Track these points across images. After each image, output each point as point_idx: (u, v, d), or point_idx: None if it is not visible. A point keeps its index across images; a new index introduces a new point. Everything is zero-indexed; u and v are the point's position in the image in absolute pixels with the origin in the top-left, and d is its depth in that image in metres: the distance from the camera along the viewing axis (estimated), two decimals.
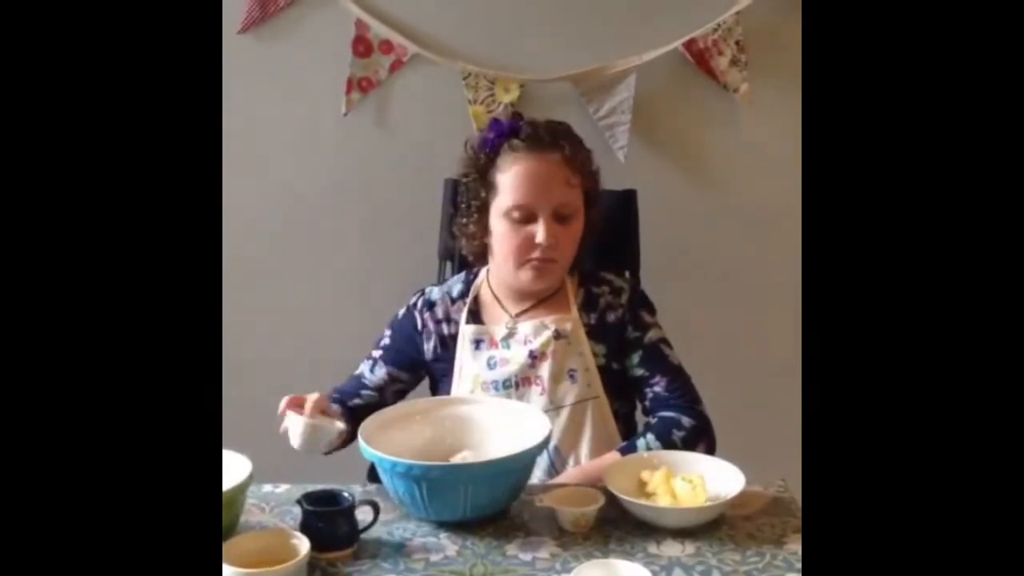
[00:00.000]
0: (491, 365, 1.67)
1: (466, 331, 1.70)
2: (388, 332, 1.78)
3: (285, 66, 2.24)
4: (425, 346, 1.74)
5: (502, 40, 2.24)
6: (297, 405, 1.46)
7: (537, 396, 1.64)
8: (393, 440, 1.42)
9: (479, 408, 1.54)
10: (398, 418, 1.49)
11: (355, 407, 1.67)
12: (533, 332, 1.67)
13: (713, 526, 1.34)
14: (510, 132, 1.65)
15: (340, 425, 1.48)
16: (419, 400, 1.55)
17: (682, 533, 1.32)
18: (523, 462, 1.38)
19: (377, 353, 1.76)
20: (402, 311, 1.78)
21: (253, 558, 1.17)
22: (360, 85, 2.23)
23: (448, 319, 1.74)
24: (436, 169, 2.13)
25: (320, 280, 2.36)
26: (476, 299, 1.75)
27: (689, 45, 2.21)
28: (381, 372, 1.73)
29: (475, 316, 1.73)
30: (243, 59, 2.21)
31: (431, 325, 1.74)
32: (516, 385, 1.65)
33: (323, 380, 2.33)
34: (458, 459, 1.43)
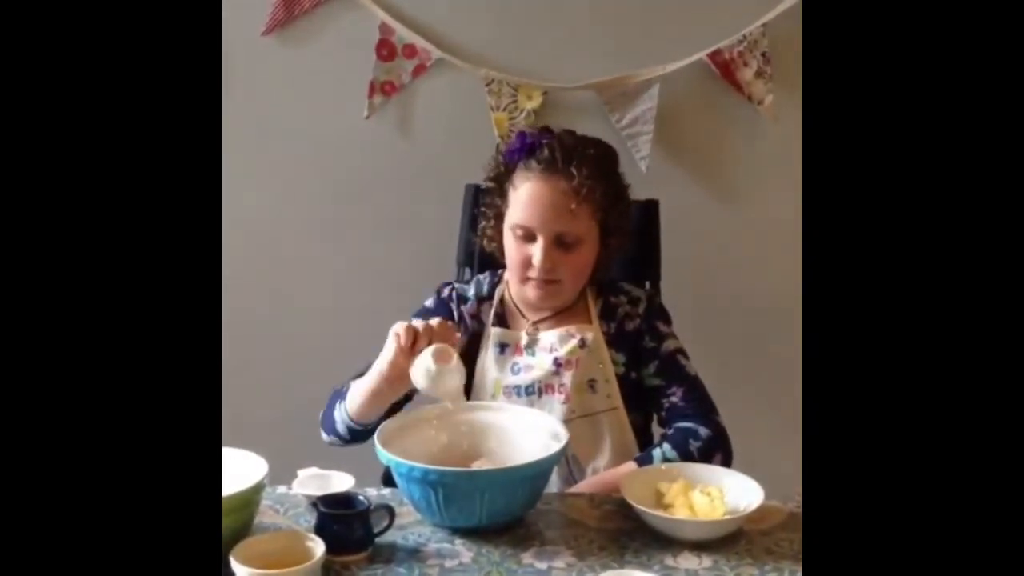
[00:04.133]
0: (515, 371, 1.67)
1: (493, 334, 1.70)
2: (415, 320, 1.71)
3: (308, 68, 2.24)
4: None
5: (526, 47, 2.24)
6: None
7: (559, 404, 1.63)
8: (409, 445, 1.41)
9: (496, 415, 1.53)
10: (415, 423, 1.48)
11: None
12: (559, 340, 1.66)
13: (731, 540, 1.32)
14: (529, 150, 1.63)
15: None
16: (436, 405, 1.54)
17: (699, 546, 1.30)
18: (540, 470, 1.37)
19: None
20: (430, 301, 1.76)
21: (267, 559, 1.17)
22: (383, 89, 2.23)
23: (477, 317, 1.73)
24: (457, 174, 2.12)
25: (340, 283, 2.35)
26: (502, 302, 1.74)
27: (714, 56, 2.21)
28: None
29: (501, 319, 1.73)
30: (267, 61, 2.22)
31: (467, 319, 1.73)
32: (539, 392, 1.64)
33: (341, 381, 2.34)
34: (475, 466, 1.42)
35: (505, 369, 1.67)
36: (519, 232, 1.63)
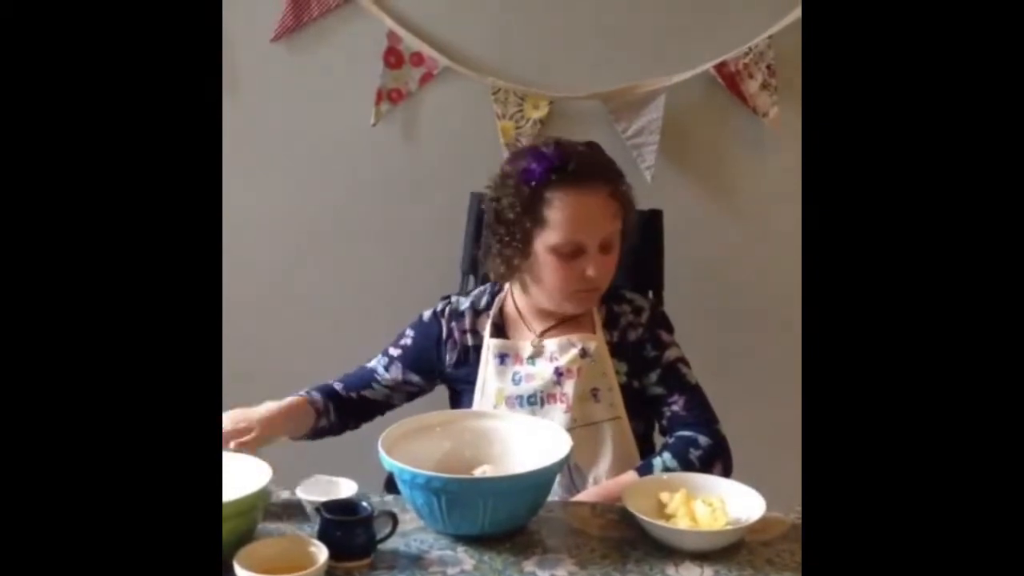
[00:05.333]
0: (516, 380, 1.67)
1: (491, 345, 1.70)
2: (410, 333, 1.77)
3: (316, 75, 2.25)
4: (447, 355, 1.74)
5: (533, 56, 2.25)
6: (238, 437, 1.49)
7: (561, 413, 1.63)
8: (412, 451, 1.41)
9: (500, 422, 1.53)
10: (418, 429, 1.48)
11: (361, 400, 1.74)
12: (559, 349, 1.67)
13: (732, 551, 1.33)
14: (558, 164, 1.59)
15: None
16: (440, 412, 1.55)
17: (701, 556, 1.31)
18: (543, 478, 1.37)
19: (395, 352, 1.76)
20: (427, 314, 1.78)
21: (270, 564, 1.17)
22: (390, 96, 2.24)
23: (474, 330, 1.73)
24: (463, 182, 2.13)
25: (344, 290, 2.36)
26: (501, 313, 1.75)
27: (720, 67, 2.21)
28: (396, 372, 1.75)
29: (499, 330, 1.73)
30: (275, 67, 2.23)
31: (456, 335, 1.74)
32: (541, 401, 1.65)
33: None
34: (477, 473, 1.43)
35: (506, 379, 1.68)
36: (566, 249, 1.60)
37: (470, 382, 1.71)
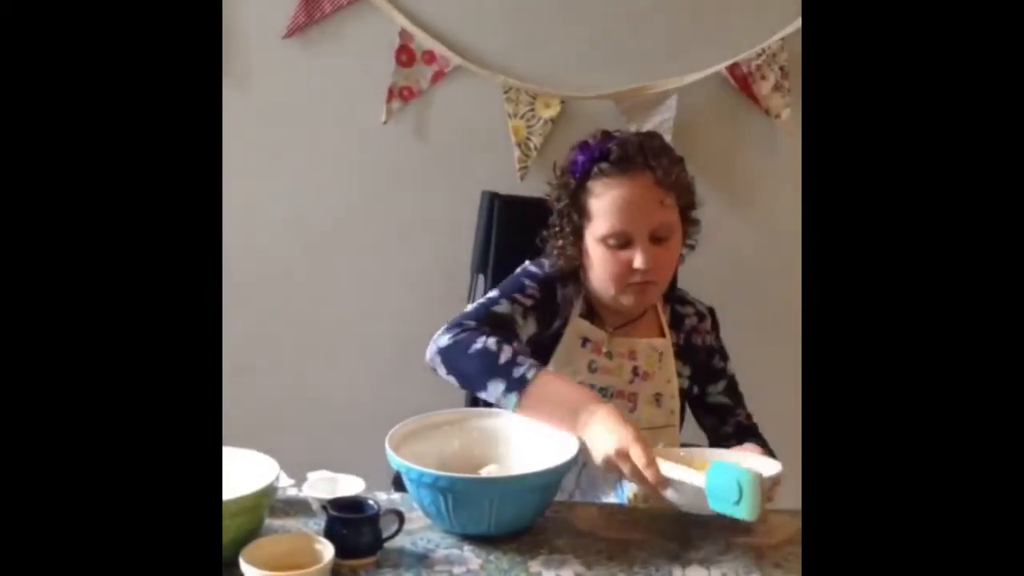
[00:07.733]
0: (592, 368, 1.62)
1: (579, 325, 1.64)
2: (531, 283, 1.64)
3: (328, 72, 2.25)
4: (557, 318, 1.64)
5: (545, 55, 2.25)
6: None
7: (626, 412, 1.58)
8: (420, 449, 1.41)
9: (508, 421, 1.53)
10: (426, 427, 1.48)
11: None
12: (640, 351, 1.64)
13: (740, 553, 1.32)
14: (599, 155, 1.57)
15: None
16: (447, 411, 1.54)
17: (708, 559, 1.30)
18: (551, 479, 1.37)
19: (526, 300, 1.62)
20: (536, 267, 1.67)
21: (277, 561, 1.17)
22: (401, 94, 2.24)
23: (568, 302, 1.65)
24: (473, 181, 2.13)
25: (352, 287, 2.36)
26: (587, 297, 1.67)
27: (732, 69, 2.21)
28: (531, 328, 1.63)
29: (589, 312, 1.66)
30: (287, 64, 2.23)
31: (561, 302, 1.65)
32: (611, 396, 1.61)
33: (352, 385, 2.36)
34: (485, 472, 1.43)
35: (582, 364, 1.62)
36: (612, 241, 1.56)
37: (543, 355, 1.61)
